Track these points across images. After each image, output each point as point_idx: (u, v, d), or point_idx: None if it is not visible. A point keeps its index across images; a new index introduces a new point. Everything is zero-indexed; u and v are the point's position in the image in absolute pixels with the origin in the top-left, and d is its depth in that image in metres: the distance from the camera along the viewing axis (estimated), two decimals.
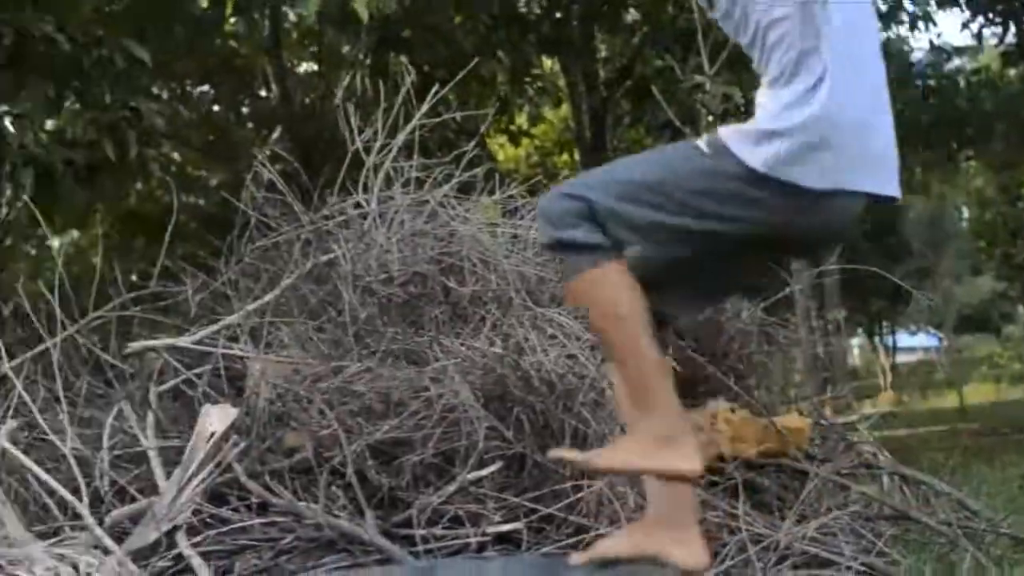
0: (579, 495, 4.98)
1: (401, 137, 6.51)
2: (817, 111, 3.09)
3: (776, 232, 3.20)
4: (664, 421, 3.21)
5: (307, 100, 17.51)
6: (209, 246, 7.15)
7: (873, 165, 3.20)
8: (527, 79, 16.49)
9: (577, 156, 18.15)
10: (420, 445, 5.05)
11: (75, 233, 16.44)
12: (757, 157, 3.11)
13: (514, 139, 18.13)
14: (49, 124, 11.22)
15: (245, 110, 18.78)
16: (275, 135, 12.97)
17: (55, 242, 15.51)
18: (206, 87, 17.76)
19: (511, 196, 6.77)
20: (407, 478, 5.01)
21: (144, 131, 10.69)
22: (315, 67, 18.23)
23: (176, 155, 15.87)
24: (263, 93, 18.22)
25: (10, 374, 5.71)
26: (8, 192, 11.94)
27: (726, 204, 3.16)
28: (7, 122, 10.04)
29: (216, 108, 18.46)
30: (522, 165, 19.83)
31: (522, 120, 18.16)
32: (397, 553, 4.67)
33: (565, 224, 3.15)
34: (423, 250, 6.03)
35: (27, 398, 5.52)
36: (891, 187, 3.24)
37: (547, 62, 18.00)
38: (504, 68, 15.50)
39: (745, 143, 3.15)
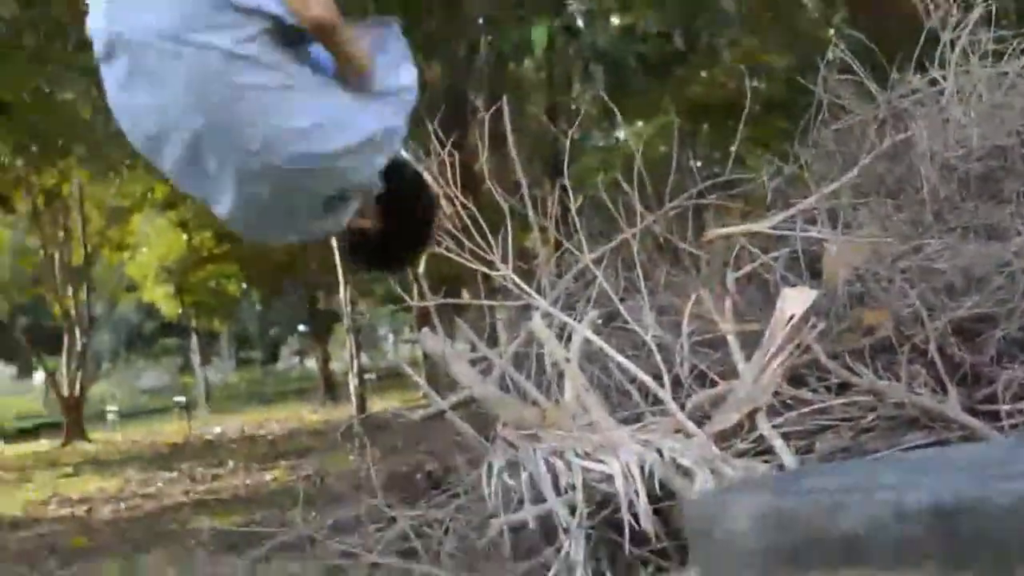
0: None
1: (978, 10, 6.21)
2: None
3: None
4: None
5: None
6: (774, 131, 7.10)
7: None
8: None
9: None
10: (1004, 320, 4.86)
11: (639, 123, 16.69)
12: None
13: None
14: (616, 20, 11.46)
15: None
16: (841, 16, 12.68)
17: (620, 133, 15.74)
18: None
19: None
20: (991, 353, 4.85)
21: (714, 19, 10.74)
22: None
23: (743, 41, 15.77)
24: None
25: (591, 265, 5.89)
26: (577, 87, 12.22)
27: None
28: (579, 21, 10.33)
29: None
30: None
31: None
32: (982, 429, 4.54)
33: None
34: (1003, 123, 5.81)
35: (608, 288, 5.70)
36: None
37: None
38: None
39: None
